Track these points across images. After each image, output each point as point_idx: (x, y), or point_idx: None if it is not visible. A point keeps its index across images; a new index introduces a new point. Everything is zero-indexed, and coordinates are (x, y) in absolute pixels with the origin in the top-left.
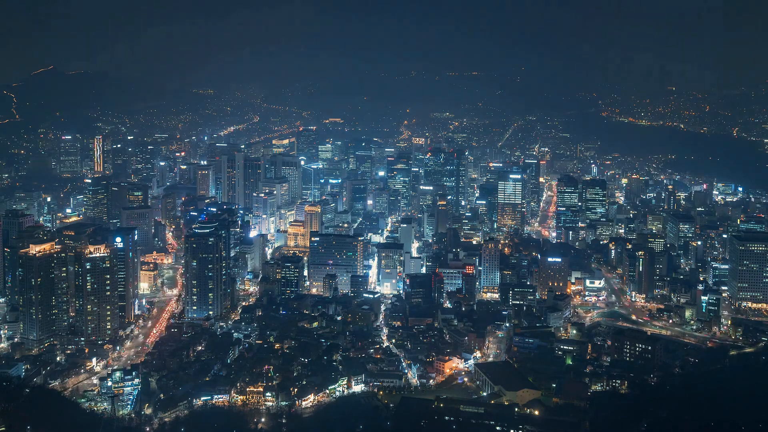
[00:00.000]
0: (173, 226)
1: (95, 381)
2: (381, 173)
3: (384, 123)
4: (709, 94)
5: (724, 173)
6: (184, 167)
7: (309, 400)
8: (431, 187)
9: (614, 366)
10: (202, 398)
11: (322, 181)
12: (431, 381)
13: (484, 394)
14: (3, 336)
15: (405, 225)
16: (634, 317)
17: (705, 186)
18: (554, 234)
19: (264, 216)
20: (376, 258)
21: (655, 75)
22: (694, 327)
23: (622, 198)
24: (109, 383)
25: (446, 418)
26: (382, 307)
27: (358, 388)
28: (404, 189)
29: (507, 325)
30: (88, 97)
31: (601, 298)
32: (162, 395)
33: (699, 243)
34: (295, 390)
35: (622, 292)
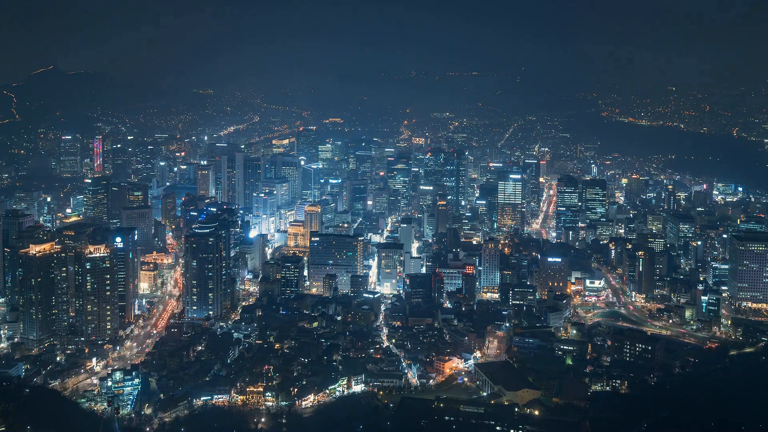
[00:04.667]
0: (173, 226)
1: (95, 381)
2: (381, 173)
3: (384, 123)
4: (709, 94)
5: (724, 173)
6: (184, 167)
7: (309, 400)
8: (431, 187)
9: (614, 366)
10: (202, 398)
11: (322, 181)
12: (431, 381)
13: (484, 394)
14: (3, 336)
15: (405, 225)
16: (634, 317)
17: (705, 186)
18: (554, 234)
19: (264, 216)
20: (376, 258)
21: (655, 75)
22: (694, 327)
23: (622, 198)
24: (109, 383)
25: (446, 418)
26: (382, 307)
27: (358, 388)
28: (404, 189)
29: (507, 325)
30: (88, 97)
31: (601, 298)
32: (162, 395)
33: (699, 243)
34: (295, 390)
35: (622, 292)
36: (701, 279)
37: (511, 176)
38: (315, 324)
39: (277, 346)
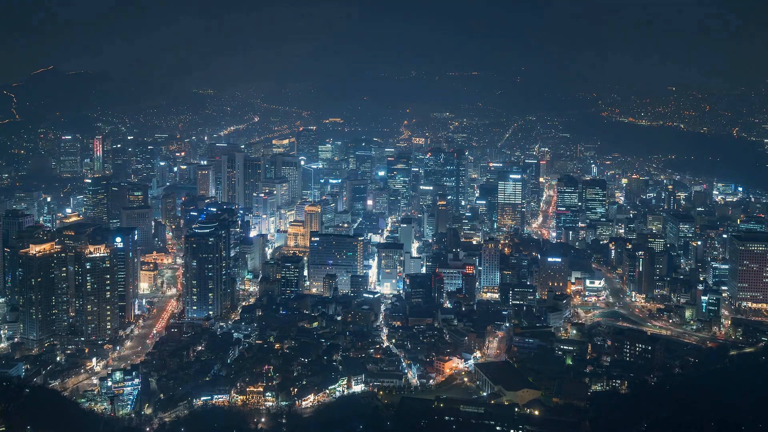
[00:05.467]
0: (173, 226)
1: (95, 381)
2: (381, 173)
3: (384, 123)
4: (709, 94)
5: (724, 173)
6: (184, 167)
7: (309, 400)
8: (431, 187)
9: (614, 366)
10: (202, 398)
11: (322, 181)
12: (431, 381)
13: (484, 394)
14: (3, 336)
15: (405, 225)
16: (634, 317)
17: (705, 186)
18: (554, 234)
19: (264, 216)
20: (376, 258)
21: (655, 75)
22: (694, 327)
23: (622, 198)
24: (109, 383)
25: (446, 418)
26: (382, 307)
27: (358, 388)
28: (404, 189)
29: (507, 325)
30: (88, 97)
31: (601, 298)
32: (162, 395)
33: (699, 243)
34: (295, 390)
35: (622, 292)
36: (701, 279)
37: (511, 176)
38: (315, 324)
39: (277, 346)
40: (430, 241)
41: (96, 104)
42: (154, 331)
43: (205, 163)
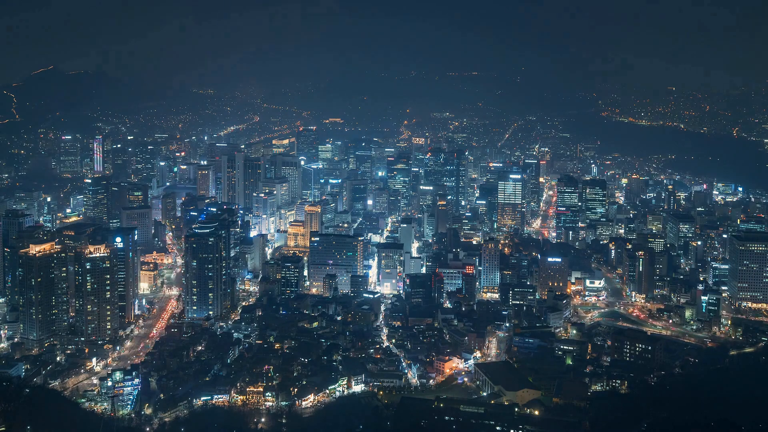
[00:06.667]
0: (173, 226)
1: (95, 381)
2: (381, 173)
3: (384, 123)
4: (709, 94)
5: (724, 173)
6: (184, 167)
7: (309, 400)
8: (431, 187)
9: (614, 366)
10: (202, 398)
11: (322, 181)
12: (431, 381)
13: (484, 394)
14: (3, 336)
15: (405, 225)
16: (634, 316)
17: (705, 186)
18: (554, 234)
19: (264, 216)
20: (376, 258)
21: (655, 75)
22: (694, 327)
23: (622, 198)
24: (109, 383)
25: (446, 418)
26: (382, 307)
27: (358, 388)
28: (404, 189)
29: (507, 325)
30: (88, 97)
31: (601, 298)
32: (162, 395)
33: (699, 243)
34: (295, 390)
35: (623, 292)
36: (701, 279)
37: (511, 176)
38: (315, 324)
39: (277, 346)
40: (430, 241)
41: (96, 104)
42: (154, 331)
43: (205, 163)
